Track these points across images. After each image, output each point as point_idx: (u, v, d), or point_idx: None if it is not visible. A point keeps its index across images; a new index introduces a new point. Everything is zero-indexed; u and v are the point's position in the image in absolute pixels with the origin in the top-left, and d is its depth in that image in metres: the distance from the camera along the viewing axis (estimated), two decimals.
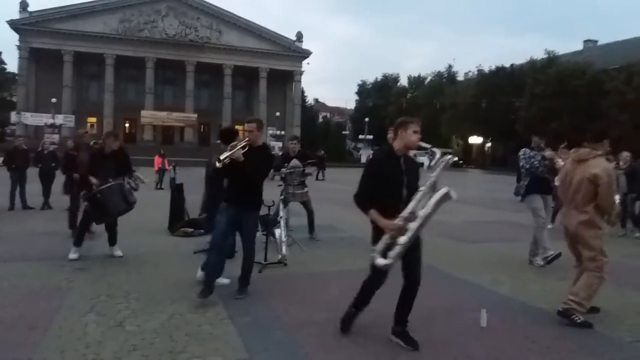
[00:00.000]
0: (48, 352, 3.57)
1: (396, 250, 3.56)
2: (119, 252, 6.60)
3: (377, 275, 3.80)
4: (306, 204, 8.11)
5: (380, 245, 3.62)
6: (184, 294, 4.98)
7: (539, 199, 6.83)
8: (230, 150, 4.67)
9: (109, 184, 6.27)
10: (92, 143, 7.85)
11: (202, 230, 8.28)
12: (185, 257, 6.63)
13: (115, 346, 3.69)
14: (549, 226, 10.11)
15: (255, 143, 4.90)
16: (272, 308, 4.64)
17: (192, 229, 8.37)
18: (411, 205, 3.58)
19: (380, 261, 3.61)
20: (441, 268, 6.46)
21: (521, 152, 6.94)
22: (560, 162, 6.94)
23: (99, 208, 6.29)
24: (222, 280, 5.25)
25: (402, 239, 3.53)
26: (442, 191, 3.54)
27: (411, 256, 3.73)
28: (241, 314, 4.44)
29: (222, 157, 4.62)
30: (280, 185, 7.65)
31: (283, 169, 7.63)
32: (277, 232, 6.57)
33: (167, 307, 4.59)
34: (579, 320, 4.31)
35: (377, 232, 3.71)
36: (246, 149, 4.77)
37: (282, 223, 6.68)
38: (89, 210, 6.45)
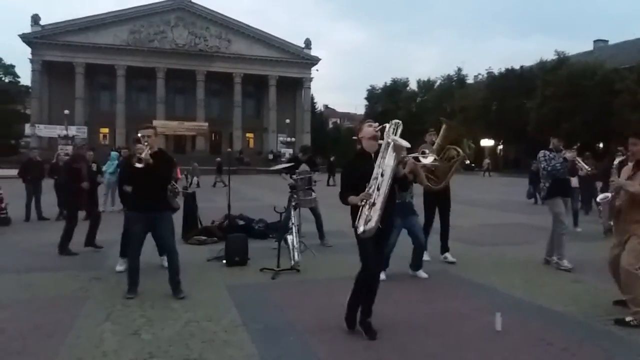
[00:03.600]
0: None
1: (374, 216, 3.88)
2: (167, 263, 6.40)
3: (367, 267, 4.10)
4: (314, 210, 8.16)
5: (361, 219, 3.93)
6: (199, 302, 5.02)
7: (562, 204, 6.74)
8: (140, 155, 4.98)
9: None
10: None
11: (215, 238, 8.34)
12: (199, 265, 6.68)
13: (132, 354, 3.72)
14: (578, 229, 9.96)
15: (153, 148, 5.19)
16: (285, 314, 4.66)
17: (205, 237, 8.42)
18: (372, 182, 3.93)
19: (361, 228, 3.91)
20: (455, 272, 6.44)
21: (541, 154, 6.78)
22: (582, 164, 6.84)
23: None
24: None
25: (377, 204, 3.87)
26: (390, 148, 3.93)
27: (378, 247, 4.16)
28: (255, 320, 4.46)
29: (140, 159, 4.99)
30: (289, 192, 7.69)
31: (294, 176, 7.66)
32: (290, 238, 6.60)
33: (182, 314, 4.63)
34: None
35: (354, 213, 4.04)
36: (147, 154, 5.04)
37: (294, 229, 6.70)
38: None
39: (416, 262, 6.15)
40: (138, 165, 4.96)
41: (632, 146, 4.59)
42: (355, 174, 4.12)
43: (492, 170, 41.88)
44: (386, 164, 3.94)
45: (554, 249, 6.76)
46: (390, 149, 3.96)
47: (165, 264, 6.37)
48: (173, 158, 5.81)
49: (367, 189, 3.91)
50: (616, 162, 5.22)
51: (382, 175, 3.92)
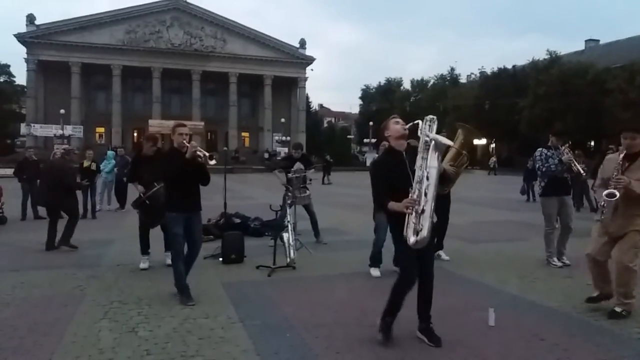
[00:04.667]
0: (62, 358, 3.65)
1: (425, 225, 3.59)
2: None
3: (407, 277, 3.88)
4: (308, 207, 8.21)
5: (409, 229, 3.64)
6: (196, 299, 5.03)
7: (555, 204, 6.66)
8: (201, 153, 4.93)
9: (155, 188, 6.16)
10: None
11: (211, 237, 8.37)
12: (195, 263, 6.62)
13: (129, 351, 3.75)
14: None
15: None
16: (281, 311, 4.69)
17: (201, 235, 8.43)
18: (415, 187, 3.65)
19: (412, 239, 3.63)
20: (449, 268, 6.49)
21: (537, 153, 6.72)
22: (577, 166, 6.75)
23: (150, 213, 6.27)
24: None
25: (426, 211, 3.57)
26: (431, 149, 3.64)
27: (425, 254, 3.85)
28: (252, 317, 4.50)
29: (212, 156, 5.03)
30: (285, 191, 7.75)
31: (289, 174, 7.72)
32: (285, 236, 6.64)
33: (179, 312, 4.66)
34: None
35: (398, 223, 3.75)
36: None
37: (290, 227, 6.75)
38: (142, 218, 6.43)
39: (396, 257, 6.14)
40: (212, 162, 5.00)
41: (631, 140, 4.45)
42: (389, 173, 3.81)
43: (494, 169, 41.29)
44: (429, 165, 3.63)
45: (547, 246, 6.78)
46: (431, 148, 3.65)
47: (169, 261, 6.40)
48: None
49: (411, 194, 3.61)
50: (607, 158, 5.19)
51: (427, 178, 3.61)
